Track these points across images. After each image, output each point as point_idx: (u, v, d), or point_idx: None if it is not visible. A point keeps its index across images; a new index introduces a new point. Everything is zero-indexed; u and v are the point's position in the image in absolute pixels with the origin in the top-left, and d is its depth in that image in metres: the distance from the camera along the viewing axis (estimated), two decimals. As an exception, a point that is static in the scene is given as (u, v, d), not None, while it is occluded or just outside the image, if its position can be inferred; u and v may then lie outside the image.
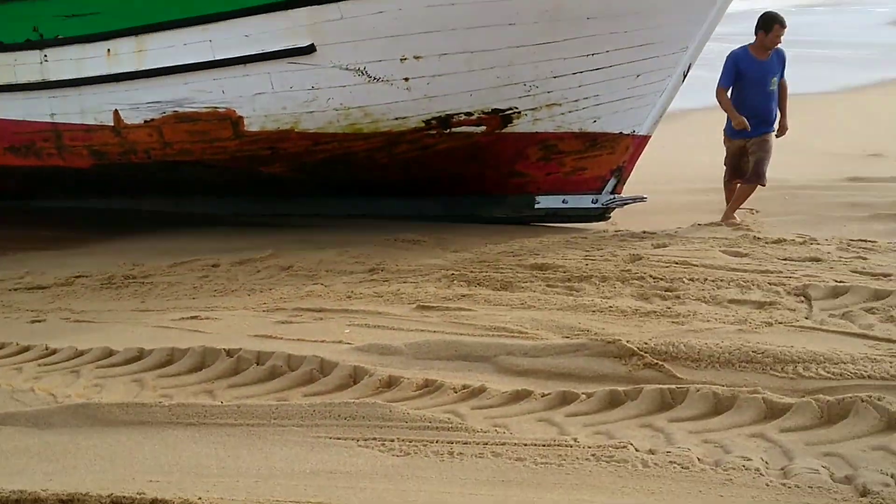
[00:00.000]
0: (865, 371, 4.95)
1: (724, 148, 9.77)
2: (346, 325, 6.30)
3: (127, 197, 11.34)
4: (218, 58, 9.21)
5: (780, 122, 9.62)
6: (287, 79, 9.12)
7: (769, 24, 9.35)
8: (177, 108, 9.50)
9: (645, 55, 9.06)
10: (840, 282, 6.83)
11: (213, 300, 7.28)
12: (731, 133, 9.62)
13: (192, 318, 6.70)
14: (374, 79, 9.01)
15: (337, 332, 6.13)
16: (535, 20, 8.75)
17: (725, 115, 9.49)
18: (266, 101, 9.25)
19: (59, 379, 5.60)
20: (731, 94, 9.47)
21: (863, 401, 4.43)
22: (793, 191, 10.46)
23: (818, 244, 8.27)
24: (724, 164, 9.83)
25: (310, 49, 8.95)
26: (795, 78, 16.35)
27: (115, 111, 9.77)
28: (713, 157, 9.91)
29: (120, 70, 9.58)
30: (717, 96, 9.54)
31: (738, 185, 9.64)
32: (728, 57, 9.48)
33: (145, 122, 9.69)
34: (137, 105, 9.66)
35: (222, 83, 9.28)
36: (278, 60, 9.07)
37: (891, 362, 5.03)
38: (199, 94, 9.40)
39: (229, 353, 5.70)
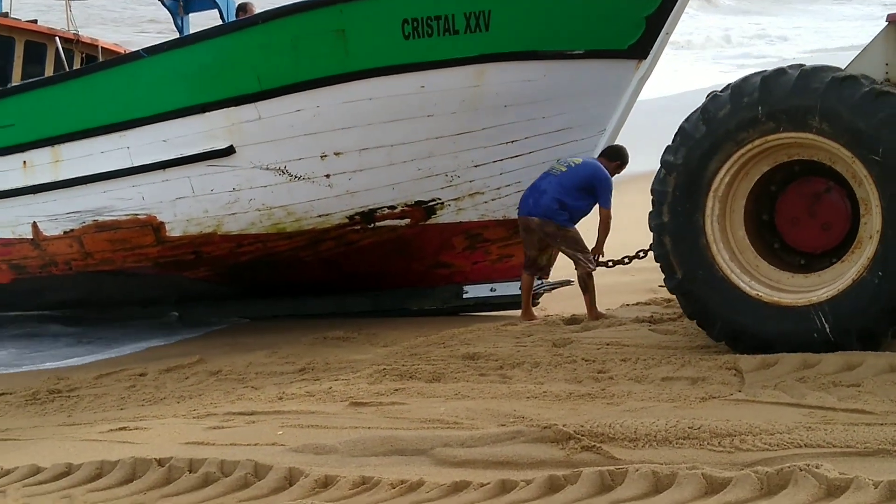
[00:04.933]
0: (801, 440, 4.95)
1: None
2: (278, 426, 6.18)
3: (48, 309, 11.15)
4: (136, 164, 9.14)
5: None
6: (207, 182, 9.06)
7: (626, 159, 9.06)
8: (96, 217, 9.39)
9: (563, 140, 9.10)
10: (770, 353, 6.86)
11: (142, 410, 7.12)
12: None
13: (121, 429, 6.53)
14: (296, 177, 8.98)
15: (270, 435, 6.01)
16: (454, 111, 8.79)
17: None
18: (187, 206, 9.17)
19: (-15, 500, 5.41)
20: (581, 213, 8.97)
21: (801, 469, 4.42)
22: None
23: (745, 317, 8.31)
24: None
25: (229, 151, 8.91)
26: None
27: (34, 223, 9.63)
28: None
29: (37, 181, 9.47)
30: (609, 221, 8.91)
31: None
32: (608, 178, 8.84)
33: (64, 233, 9.56)
34: (56, 216, 9.53)
35: (142, 189, 9.20)
36: (198, 164, 9.01)
37: (825, 430, 5.05)
38: (118, 201, 9.29)
39: (160, 462, 5.55)
